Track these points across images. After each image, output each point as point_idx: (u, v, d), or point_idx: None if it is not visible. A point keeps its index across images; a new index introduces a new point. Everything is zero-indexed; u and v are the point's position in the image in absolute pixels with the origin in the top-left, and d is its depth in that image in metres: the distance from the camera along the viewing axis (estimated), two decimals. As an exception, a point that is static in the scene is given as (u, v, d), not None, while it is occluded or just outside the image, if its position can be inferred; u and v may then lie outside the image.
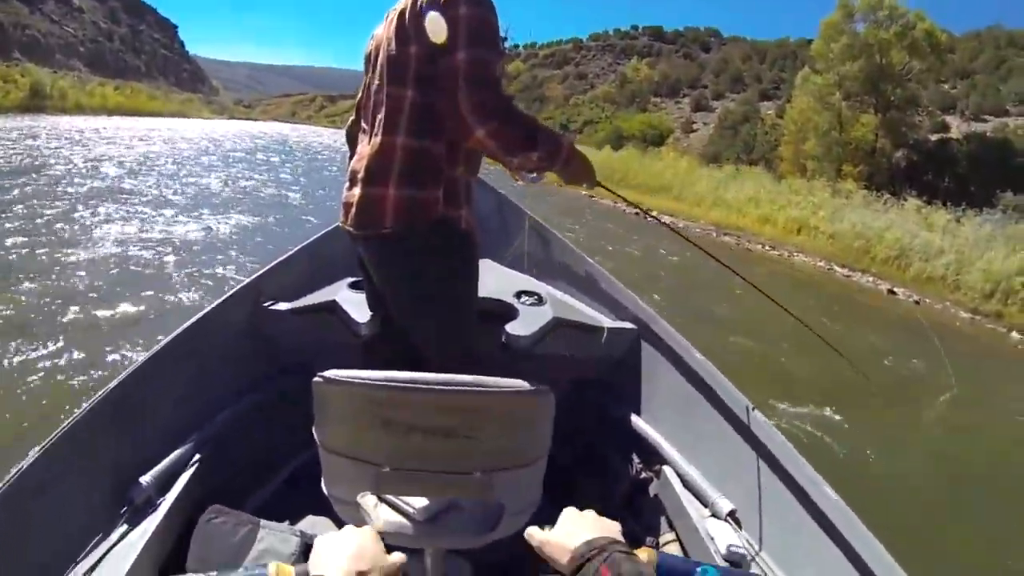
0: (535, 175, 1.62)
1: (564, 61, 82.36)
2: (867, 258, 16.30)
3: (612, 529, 0.87)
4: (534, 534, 0.90)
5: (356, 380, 1.09)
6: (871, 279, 15.26)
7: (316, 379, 1.12)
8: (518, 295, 2.51)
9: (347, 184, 1.69)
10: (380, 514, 1.23)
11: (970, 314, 13.30)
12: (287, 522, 1.59)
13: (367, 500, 1.24)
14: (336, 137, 43.12)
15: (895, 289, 14.45)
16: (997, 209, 19.84)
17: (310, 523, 1.83)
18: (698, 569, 0.88)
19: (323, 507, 1.33)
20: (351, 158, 1.76)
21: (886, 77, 27.19)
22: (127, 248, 7.81)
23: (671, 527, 1.86)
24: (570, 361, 2.37)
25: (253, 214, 11.50)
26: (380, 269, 1.71)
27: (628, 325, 2.39)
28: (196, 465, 1.65)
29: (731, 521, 1.69)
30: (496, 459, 1.17)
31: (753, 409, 1.78)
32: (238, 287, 2.15)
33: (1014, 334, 12.40)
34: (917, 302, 13.85)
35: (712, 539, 1.61)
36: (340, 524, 1.15)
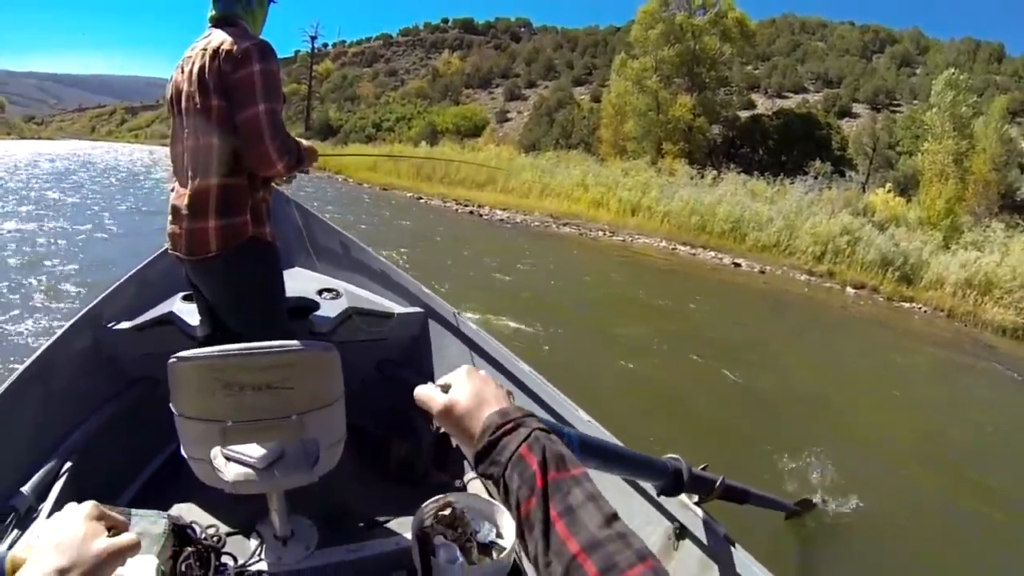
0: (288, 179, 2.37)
1: (374, 58, 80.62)
2: (704, 234, 17.00)
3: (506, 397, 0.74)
4: (431, 395, 0.73)
5: (201, 355, 1.61)
6: (713, 254, 15.83)
7: (171, 360, 1.58)
8: (320, 292, 3.03)
9: (170, 217, 2.13)
10: (229, 469, 1.78)
11: (807, 276, 14.29)
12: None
13: (217, 459, 1.77)
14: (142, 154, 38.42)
15: (738, 261, 15.09)
16: (809, 176, 22.37)
17: (176, 511, 2.04)
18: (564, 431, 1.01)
19: (184, 496, 2.02)
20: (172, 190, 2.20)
21: (700, 60, 30.34)
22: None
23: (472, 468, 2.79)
24: (371, 345, 2.93)
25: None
26: (208, 284, 2.22)
27: (416, 309, 3.01)
28: (67, 474, 1.97)
29: None
30: (305, 402, 1.72)
31: (519, 361, 2.52)
32: (79, 314, 2.41)
33: (848, 289, 13.52)
34: (763, 271, 14.54)
35: None
36: (207, 508, 2.07)
